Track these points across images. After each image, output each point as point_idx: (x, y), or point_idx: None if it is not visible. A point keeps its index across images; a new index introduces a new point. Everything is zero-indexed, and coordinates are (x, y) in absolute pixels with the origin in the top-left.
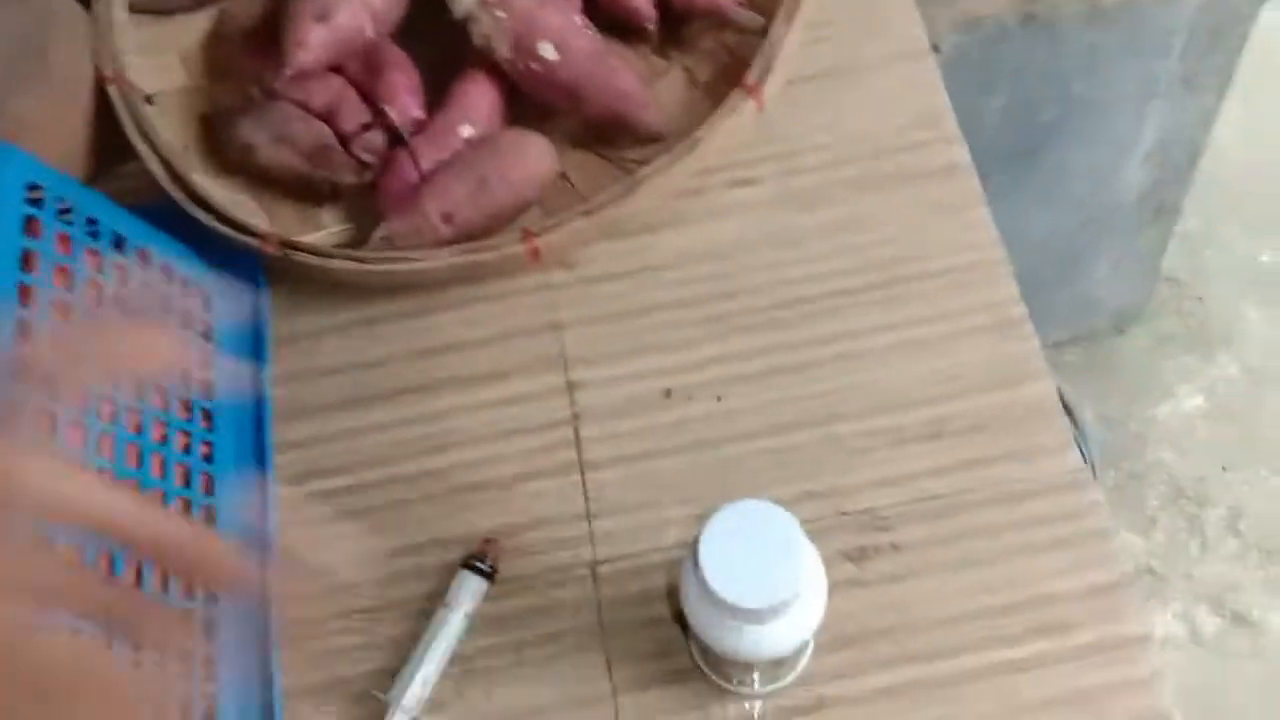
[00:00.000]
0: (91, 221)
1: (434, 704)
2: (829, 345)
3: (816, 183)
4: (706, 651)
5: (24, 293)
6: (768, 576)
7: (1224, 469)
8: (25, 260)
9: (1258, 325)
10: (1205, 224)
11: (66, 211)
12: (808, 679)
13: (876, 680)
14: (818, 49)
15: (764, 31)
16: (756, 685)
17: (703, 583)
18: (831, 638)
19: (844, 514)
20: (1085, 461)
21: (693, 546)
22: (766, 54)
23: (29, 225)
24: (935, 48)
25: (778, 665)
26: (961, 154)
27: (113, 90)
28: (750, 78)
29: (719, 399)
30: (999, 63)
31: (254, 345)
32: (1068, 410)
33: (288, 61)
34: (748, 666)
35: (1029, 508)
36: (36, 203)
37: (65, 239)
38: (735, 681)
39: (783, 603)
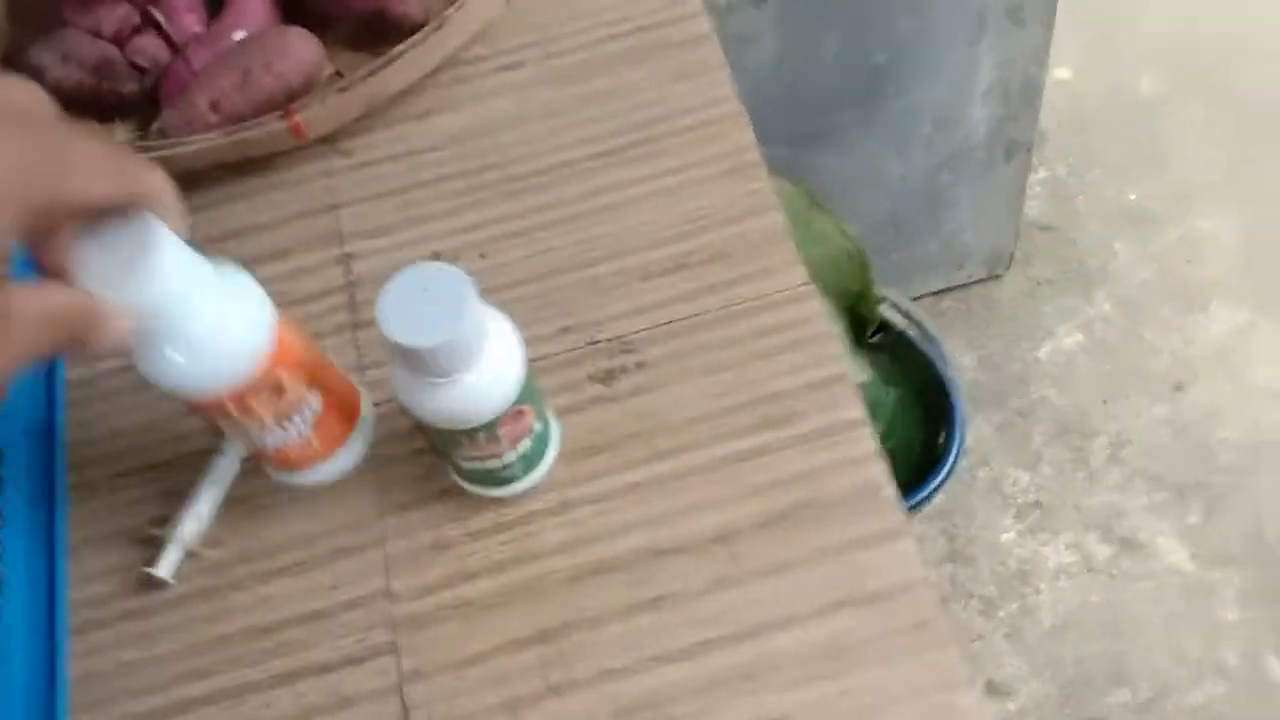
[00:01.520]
0: None
1: (211, 540)
2: (587, 201)
3: (577, 61)
4: (437, 451)
5: None
6: (436, 320)
7: (1105, 401)
8: None
9: (1129, 261)
10: (1071, 170)
11: None
12: (557, 485)
13: (619, 480)
14: None
15: None
16: (501, 489)
17: (384, 335)
18: (580, 448)
19: (594, 343)
20: (955, 402)
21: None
22: None
23: None
24: None
25: (503, 455)
26: (703, 25)
27: None
28: None
29: (482, 256)
30: (828, 7)
31: None
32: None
33: None
34: (479, 466)
35: (759, 320)
36: None
37: None
38: (481, 483)
39: (452, 344)
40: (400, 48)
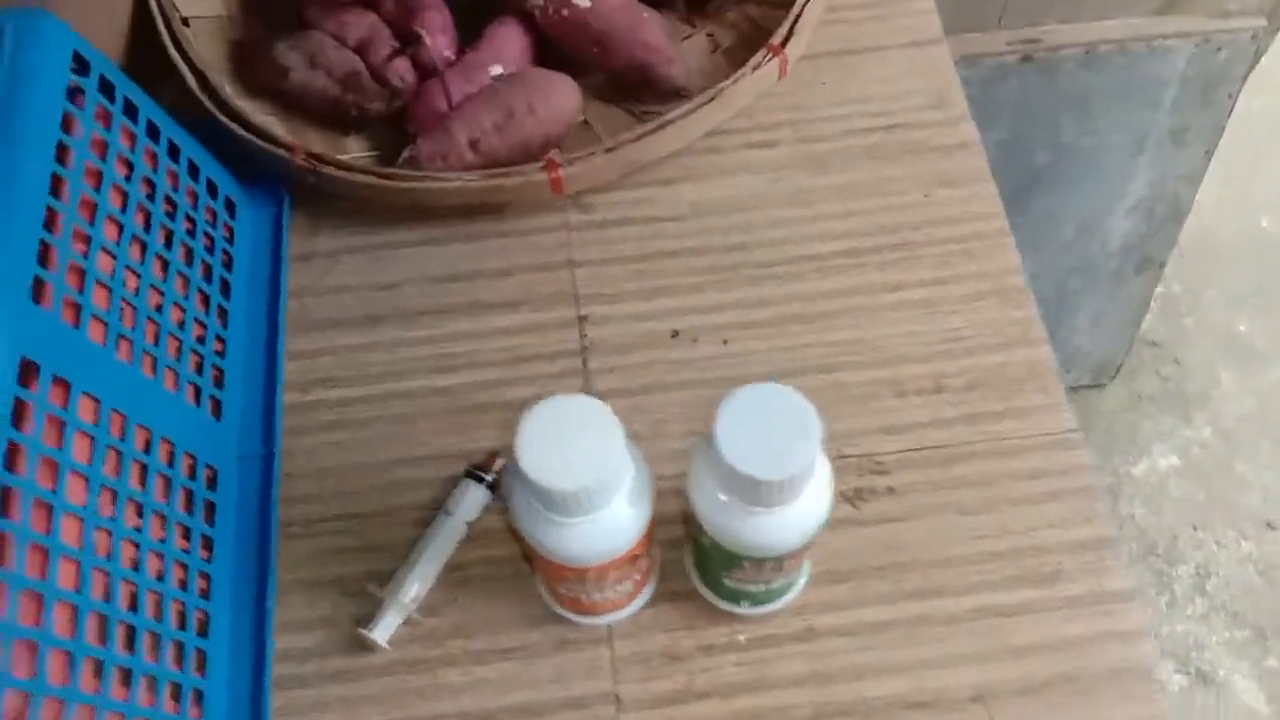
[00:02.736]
0: (129, 106)
1: (428, 607)
2: (835, 300)
3: (832, 149)
4: (704, 565)
5: (61, 153)
6: (782, 453)
7: (1194, 529)
8: (65, 124)
9: (1231, 390)
10: (1186, 289)
11: (107, 90)
12: (799, 610)
13: (866, 614)
14: (836, 29)
15: (787, 1)
16: (746, 606)
17: (718, 459)
18: (825, 572)
19: (844, 456)
20: None
21: (708, 429)
22: (791, 18)
23: (72, 93)
24: None
25: (773, 582)
26: (971, 132)
27: (154, 5)
28: (775, 39)
29: (725, 342)
30: (996, 102)
31: (272, 257)
32: None
33: None
34: (743, 587)
35: (1021, 462)
36: (81, 72)
37: (104, 114)
38: (729, 599)
39: (793, 479)
40: (672, 115)
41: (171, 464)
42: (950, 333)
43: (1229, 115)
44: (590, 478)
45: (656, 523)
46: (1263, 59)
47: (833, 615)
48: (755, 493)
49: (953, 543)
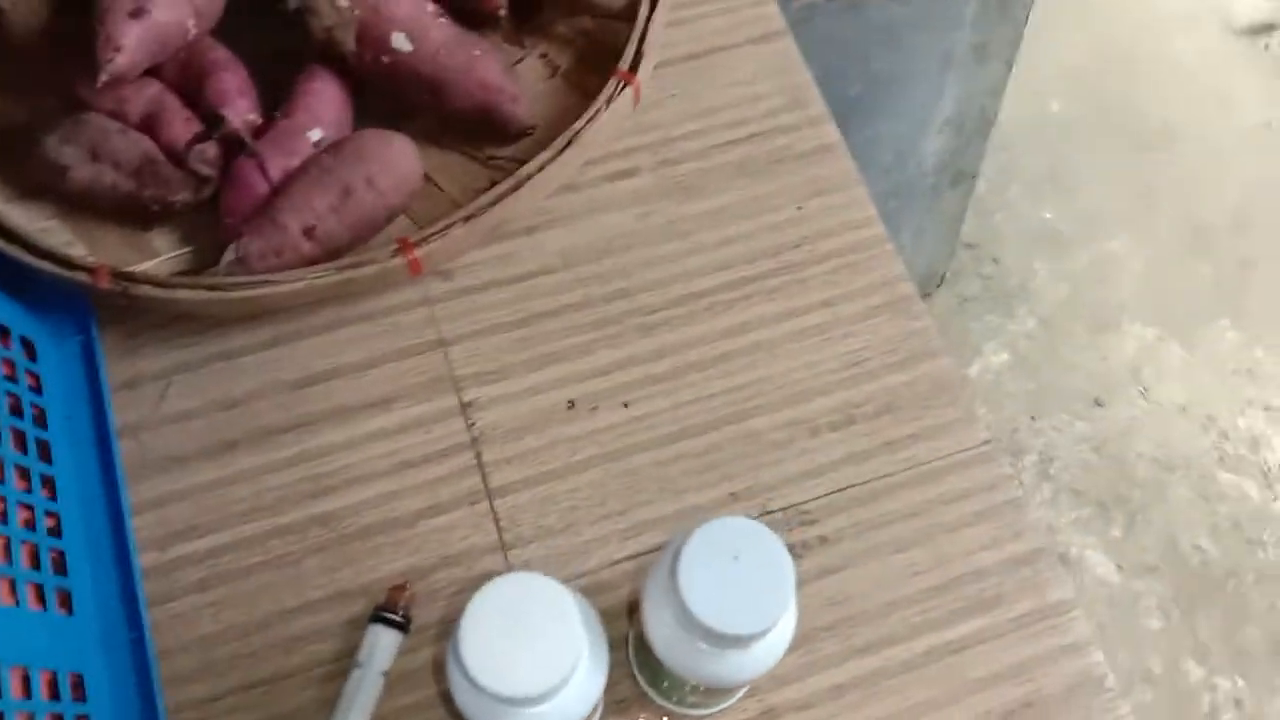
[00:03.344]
0: None
1: None
2: (731, 339)
3: (696, 170)
4: (655, 681)
5: None
6: (756, 603)
7: (1032, 418)
8: None
9: (1047, 279)
10: (992, 189)
11: None
12: (753, 691)
13: (823, 680)
14: (675, 32)
15: (628, 15)
16: (705, 709)
17: (683, 611)
18: None
19: (769, 513)
20: None
21: (670, 567)
22: (636, 38)
23: None
24: None
25: (734, 694)
26: (832, 133)
27: None
28: (624, 64)
29: (625, 405)
30: (807, 40)
31: (90, 395)
32: None
33: (103, 65)
34: (698, 700)
35: (945, 484)
36: None
37: None
38: (683, 704)
39: (773, 624)
40: (529, 168)
41: (28, 694)
42: (850, 356)
43: (1025, 24)
44: (547, 677)
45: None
46: None
47: (789, 689)
48: (727, 640)
49: (893, 584)
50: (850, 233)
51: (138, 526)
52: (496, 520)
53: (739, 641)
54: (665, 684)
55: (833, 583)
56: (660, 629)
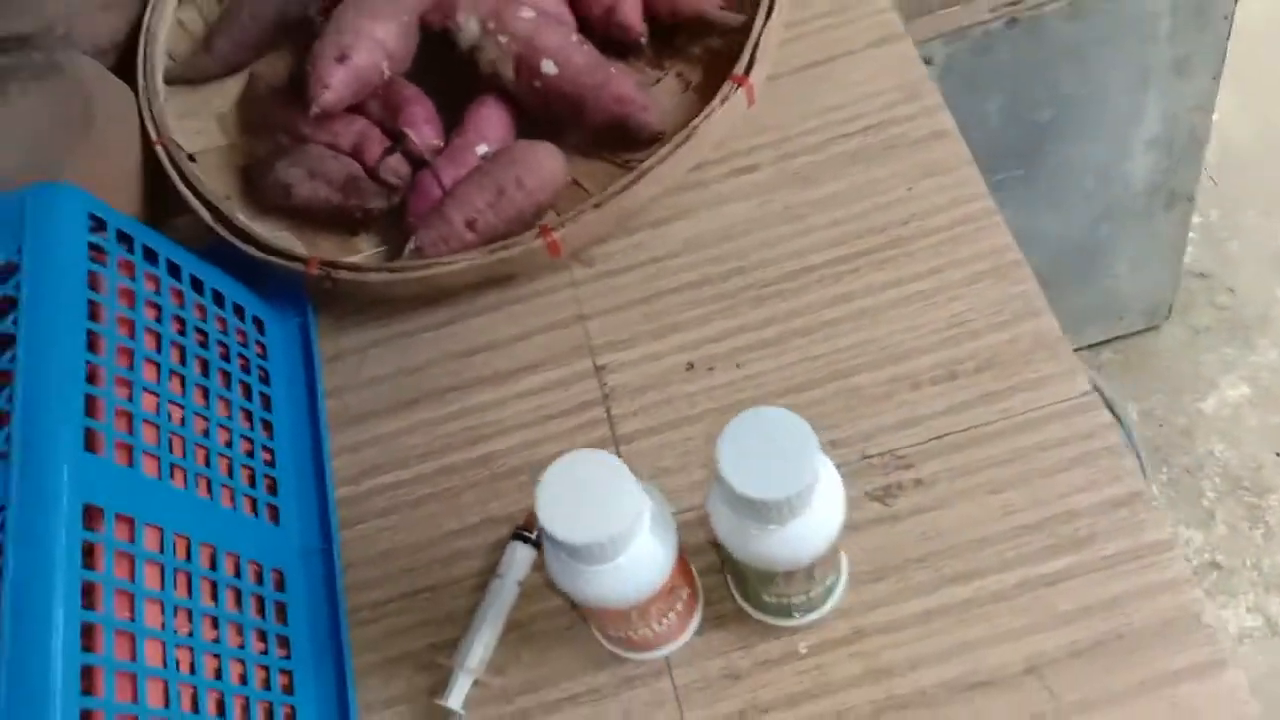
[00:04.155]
0: (149, 252)
1: (495, 668)
2: (839, 306)
3: (812, 162)
4: (743, 585)
5: (93, 310)
6: (782, 472)
7: (1278, 455)
8: (92, 282)
9: None
10: (1224, 215)
11: (126, 241)
12: (845, 613)
13: (913, 607)
14: (798, 44)
15: (746, 28)
16: (796, 618)
17: (723, 484)
18: (866, 571)
19: (868, 457)
20: (1136, 456)
21: (714, 456)
22: (750, 46)
23: (93, 252)
24: (927, 61)
25: (810, 590)
26: (945, 120)
27: (160, 150)
28: (738, 70)
29: (738, 366)
30: (989, 68)
31: (305, 363)
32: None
33: (313, 100)
34: (784, 600)
35: (1043, 432)
36: (99, 230)
37: (127, 265)
38: (776, 614)
39: (797, 495)
40: (649, 161)
41: (239, 575)
42: (954, 318)
43: (1228, 36)
44: (608, 527)
45: (688, 552)
46: None
47: (879, 613)
48: (764, 512)
49: (986, 523)
50: (959, 208)
51: (336, 466)
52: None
53: (774, 511)
54: (749, 589)
55: (926, 520)
56: (720, 521)
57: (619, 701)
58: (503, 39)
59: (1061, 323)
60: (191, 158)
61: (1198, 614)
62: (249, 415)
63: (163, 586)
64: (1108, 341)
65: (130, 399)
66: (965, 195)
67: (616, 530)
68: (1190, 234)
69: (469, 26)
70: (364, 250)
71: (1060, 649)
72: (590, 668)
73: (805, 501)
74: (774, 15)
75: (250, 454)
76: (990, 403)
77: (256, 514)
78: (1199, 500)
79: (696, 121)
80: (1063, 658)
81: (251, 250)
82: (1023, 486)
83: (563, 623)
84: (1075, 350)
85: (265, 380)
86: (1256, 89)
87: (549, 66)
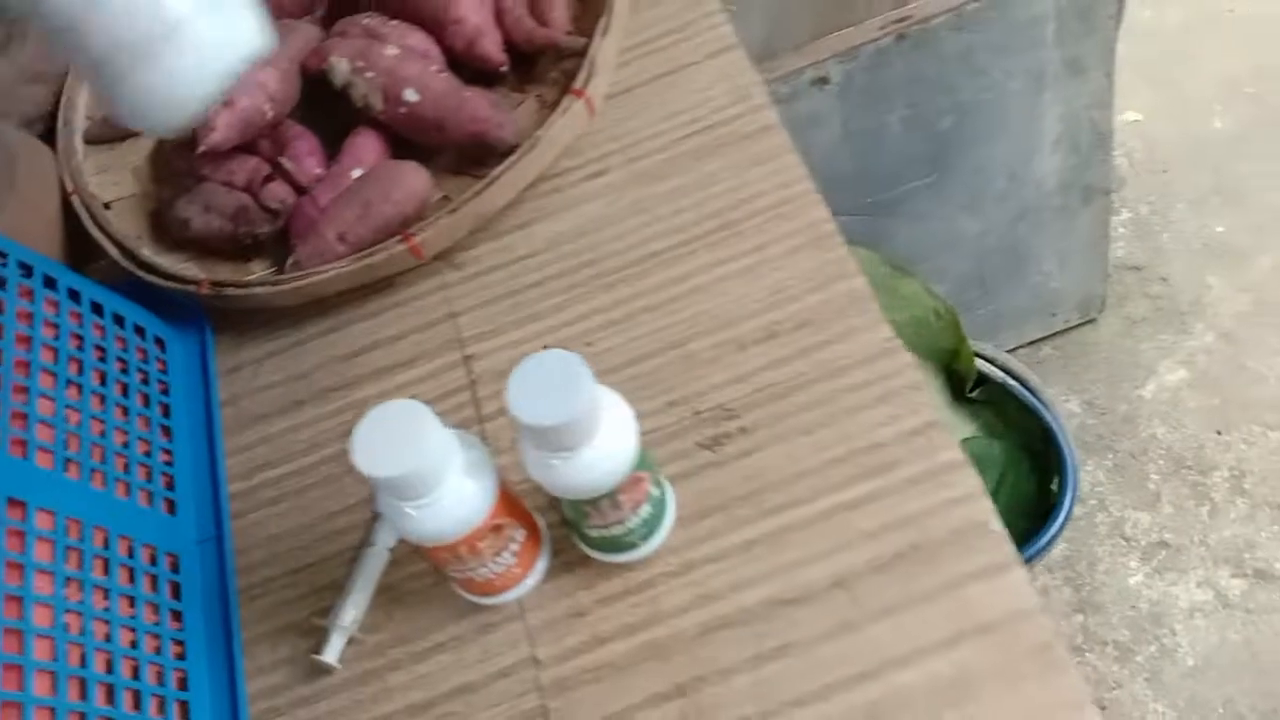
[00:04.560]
0: (49, 280)
1: (369, 626)
2: (677, 285)
3: (658, 161)
4: (572, 525)
5: None
6: (561, 401)
7: (1219, 433)
8: None
9: (1223, 292)
10: (1154, 210)
11: (27, 270)
12: (675, 549)
13: (735, 538)
14: (647, 60)
15: (586, 49)
16: (628, 553)
17: (514, 418)
18: (696, 512)
19: (698, 413)
20: (1064, 448)
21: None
22: (587, 64)
23: None
24: (825, 80)
25: (626, 521)
26: (770, 117)
27: (75, 200)
28: (577, 84)
29: (588, 345)
30: (886, 82)
31: (204, 377)
32: (1039, 398)
33: (201, 140)
34: (607, 534)
35: (851, 377)
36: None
37: (26, 291)
38: (607, 549)
39: (573, 421)
40: (498, 170)
41: (132, 555)
42: (776, 286)
43: (1117, 34)
44: (412, 463)
45: (519, 498)
46: None
47: (706, 546)
48: (551, 438)
49: (801, 460)
50: (781, 190)
51: (231, 464)
52: (485, 438)
53: (557, 436)
54: (576, 527)
55: (749, 462)
56: (528, 459)
57: (479, 645)
58: (370, 74)
59: (998, 323)
60: (107, 205)
61: (985, 522)
62: (148, 421)
63: (53, 559)
64: (1046, 338)
65: (26, 403)
66: (787, 180)
67: (419, 465)
68: (1122, 229)
69: (340, 66)
70: (257, 272)
71: (864, 564)
72: (453, 619)
73: (588, 429)
74: (609, 36)
75: (148, 454)
76: (806, 356)
77: (152, 505)
78: (1144, 483)
79: (540, 132)
80: (866, 571)
81: (152, 278)
82: (833, 425)
83: (429, 582)
84: (1012, 350)
85: (165, 391)
86: (1179, 89)
87: (411, 94)
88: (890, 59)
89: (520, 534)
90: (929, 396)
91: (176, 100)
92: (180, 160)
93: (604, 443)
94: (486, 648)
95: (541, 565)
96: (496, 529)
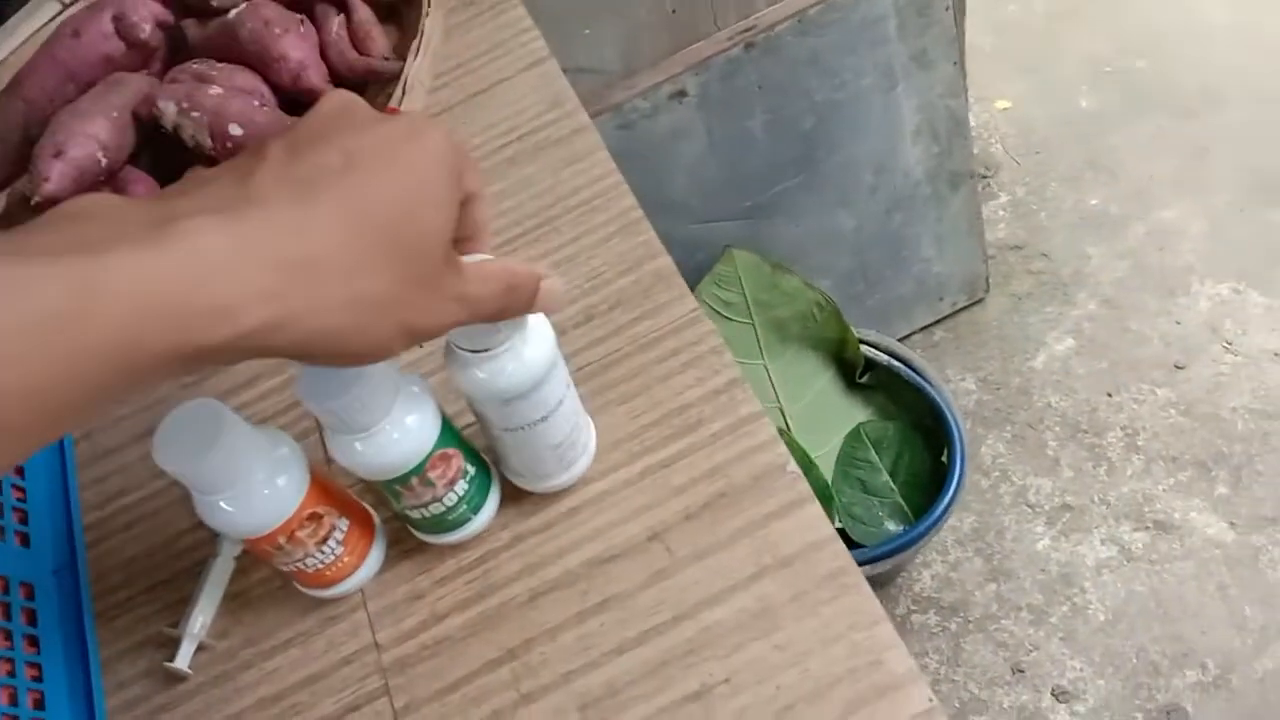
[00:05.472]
0: None
1: (219, 632)
2: None
3: (481, 168)
4: (398, 511)
5: None
6: (344, 382)
7: (1109, 395)
8: None
9: (1102, 261)
10: (1030, 190)
11: None
12: (502, 525)
13: (561, 507)
14: (467, 78)
15: (400, 72)
16: (454, 532)
17: (303, 401)
18: (518, 489)
19: None
20: (951, 420)
21: None
22: (401, 84)
23: None
24: (682, 94)
25: (439, 497)
26: (583, 119)
27: None
28: (392, 103)
29: (421, 346)
30: (742, 91)
31: None
32: (924, 378)
33: (34, 192)
34: (425, 514)
35: (661, 348)
36: None
37: None
38: (433, 530)
39: (352, 402)
40: None
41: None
42: (591, 272)
43: (962, 23)
44: (209, 456)
45: (342, 489)
46: None
47: (533, 519)
48: (339, 419)
49: (620, 428)
50: (593, 185)
51: (86, 496)
52: (324, 446)
53: (346, 416)
54: (397, 508)
55: None
56: (336, 448)
57: (324, 638)
58: (196, 114)
59: (888, 312)
60: None
61: (782, 465)
62: None
63: None
64: (937, 322)
65: None
66: (598, 175)
67: (215, 459)
68: (1001, 212)
69: (168, 109)
70: None
71: (676, 515)
72: (299, 616)
73: (376, 408)
74: (422, 57)
75: None
76: (620, 333)
77: (5, 540)
78: (1043, 451)
79: None
80: (678, 522)
81: None
82: (646, 393)
83: (276, 585)
84: (905, 337)
85: None
86: (1045, 75)
87: (235, 129)
88: (742, 67)
89: (343, 523)
90: (730, 358)
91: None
92: (23, 214)
93: (398, 422)
94: (331, 639)
95: (376, 554)
96: (314, 517)
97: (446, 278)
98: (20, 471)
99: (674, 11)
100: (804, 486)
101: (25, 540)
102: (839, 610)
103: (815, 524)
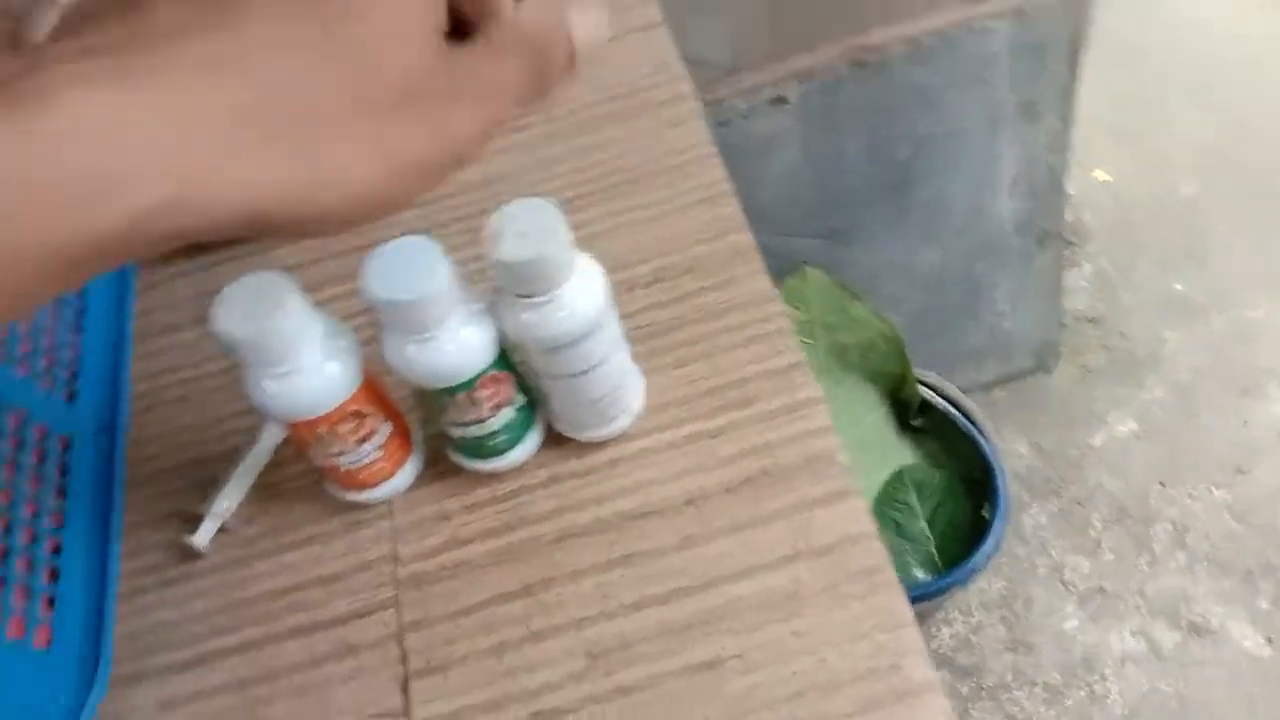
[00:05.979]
0: None
1: (245, 519)
2: (577, 231)
3: (572, 121)
4: (440, 425)
5: None
6: (412, 281)
7: (1163, 485)
8: None
9: (1179, 347)
10: (1117, 266)
11: None
12: (542, 463)
13: (600, 457)
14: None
15: None
16: (491, 460)
17: (367, 296)
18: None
19: None
20: (998, 476)
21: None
22: None
23: None
24: (783, 99)
25: (482, 418)
26: (684, 87)
27: None
28: None
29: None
30: (843, 107)
31: (120, 291)
32: (978, 428)
33: None
34: (465, 434)
35: (728, 319)
36: None
37: None
38: (471, 454)
39: (425, 299)
40: None
41: (21, 429)
42: (671, 234)
43: (1074, 82)
44: (267, 326)
45: (387, 393)
46: (1119, 29)
47: (573, 462)
48: (401, 319)
49: (669, 391)
50: (687, 151)
51: (139, 366)
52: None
53: (409, 316)
54: (435, 420)
55: None
56: (387, 347)
57: (345, 541)
58: None
59: (952, 360)
60: None
61: (833, 454)
62: (56, 313)
63: None
64: (1001, 382)
65: None
66: (692, 142)
67: (273, 329)
68: (1084, 282)
69: None
70: None
71: (716, 485)
72: (326, 516)
73: (438, 311)
74: None
75: (55, 349)
76: (687, 300)
77: (53, 390)
78: (1087, 529)
79: None
80: (717, 492)
81: None
82: (705, 360)
83: (308, 482)
84: (967, 390)
85: (80, 294)
86: (1151, 153)
87: None
88: (847, 84)
89: (386, 427)
90: (795, 341)
91: None
92: None
93: (459, 331)
94: (352, 543)
95: (411, 468)
96: (357, 415)
97: (437, 79)
98: (78, 329)
99: (784, 16)
100: (848, 479)
101: (72, 396)
102: (867, 608)
103: (857, 517)
